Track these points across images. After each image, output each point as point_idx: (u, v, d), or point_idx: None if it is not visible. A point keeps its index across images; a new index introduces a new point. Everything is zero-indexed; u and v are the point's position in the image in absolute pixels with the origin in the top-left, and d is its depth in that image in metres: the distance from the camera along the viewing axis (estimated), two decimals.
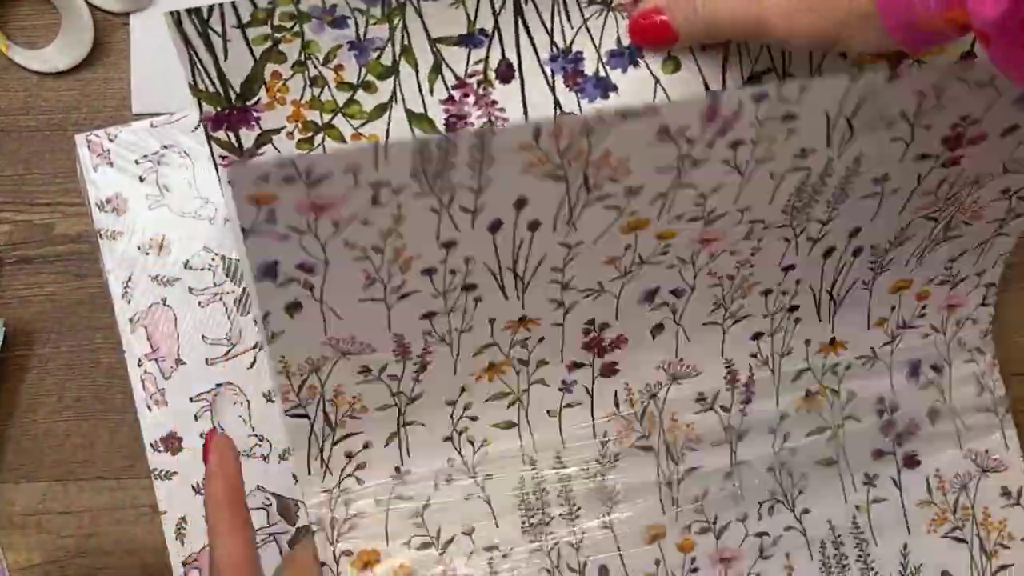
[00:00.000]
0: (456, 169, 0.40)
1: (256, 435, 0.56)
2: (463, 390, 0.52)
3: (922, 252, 0.56)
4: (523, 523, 0.54)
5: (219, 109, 0.44)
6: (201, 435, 0.56)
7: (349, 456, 0.51)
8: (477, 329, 0.50)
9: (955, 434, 0.59)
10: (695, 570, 0.56)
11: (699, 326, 0.55)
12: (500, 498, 0.54)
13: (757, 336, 0.56)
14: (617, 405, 0.55)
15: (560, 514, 0.54)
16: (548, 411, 0.54)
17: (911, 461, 0.59)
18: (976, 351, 0.59)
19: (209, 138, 0.45)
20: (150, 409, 0.56)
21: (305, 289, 0.43)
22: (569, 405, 0.55)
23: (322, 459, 0.51)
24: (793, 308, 0.56)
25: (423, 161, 0.39)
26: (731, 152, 0.44)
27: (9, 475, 0.57)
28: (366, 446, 0.52)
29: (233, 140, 0.45)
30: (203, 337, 0.56)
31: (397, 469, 0.52)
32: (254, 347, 0.56)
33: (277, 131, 0.46)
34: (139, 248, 0.55)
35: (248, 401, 0.56)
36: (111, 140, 0.55)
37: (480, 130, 0.42)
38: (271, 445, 0.56)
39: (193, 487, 0.56)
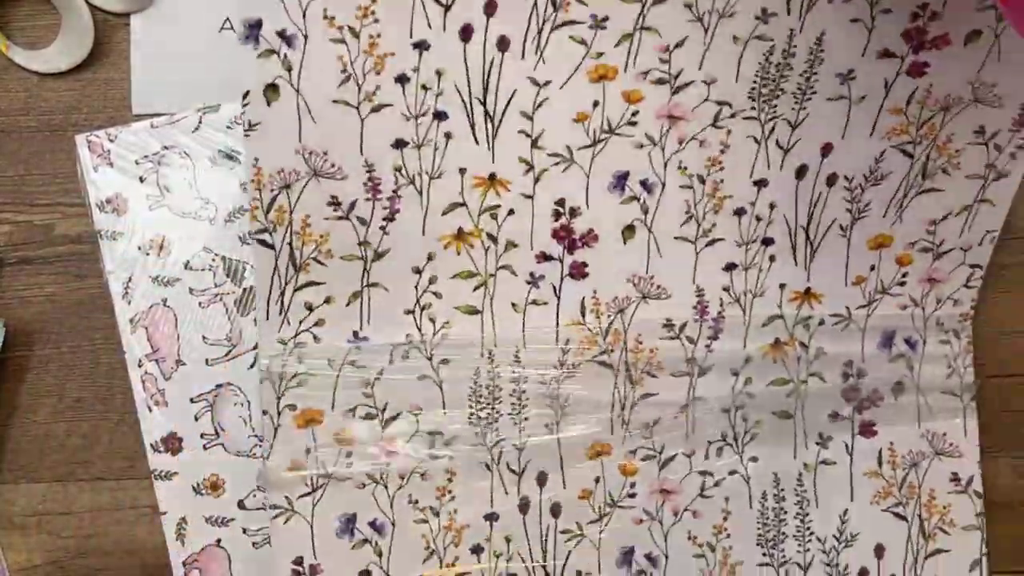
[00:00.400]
0: None
1: (256, 436, 0.56)
2: (430, 257, 0.53)
3: (901, 201, 0.56)
4: (471, 415, 0.55)
5: None
6: (201, 435, 0.56)
7: (309, 308, 0.53)
8: (447, 179, 0.52)
9: (916, 411, 0.59)
10: (633, 495, 0.57)
11: (671, 239, 0.55)
12: (453, 385, 0.55)
13: (730, 268, 0.56)
14: (583, 315, 0.56)
15: (509, 413, 0.55)
16: (513, 304, 0.55)
17: (867, 430, 0.59)
18: (952, 333, 0.59)
19: None
20: (150, 409, 0.56)
21: (284, 69, 0.48)
22: (535, 302, 0.55)
23: (282, 304, 0.52)
24: (768, 241, 0.56)
25: None
26: None
27: (9, 475, 0.57)
28: (327, 301, 0.53)
29: None
30: (203, 338, 0.56)
31: (355, 334, 0.53)
32: (254, 348, 0.56)
33: None
34: (139, 248, 0.55)
35: (248, 401, 0.56)
36: (111, 140, 0.55)
37: None
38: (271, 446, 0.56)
39: (193, 487, 0.56)
